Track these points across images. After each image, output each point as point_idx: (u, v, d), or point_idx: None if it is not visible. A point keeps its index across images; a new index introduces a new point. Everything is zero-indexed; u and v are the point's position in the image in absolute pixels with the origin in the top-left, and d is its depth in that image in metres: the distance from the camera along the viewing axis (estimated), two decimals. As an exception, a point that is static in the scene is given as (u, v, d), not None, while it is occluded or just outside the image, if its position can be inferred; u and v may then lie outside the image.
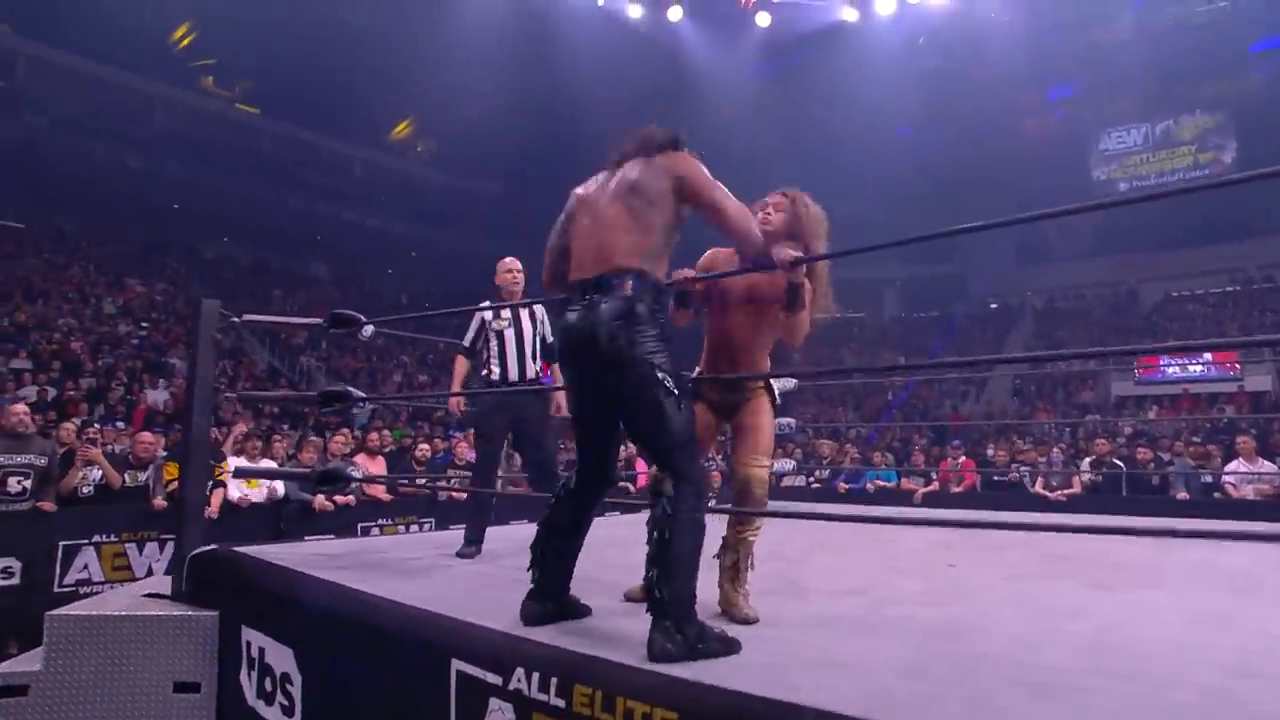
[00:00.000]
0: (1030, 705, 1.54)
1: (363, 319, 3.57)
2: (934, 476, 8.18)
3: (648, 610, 1.88)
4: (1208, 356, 17.03)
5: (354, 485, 5.69)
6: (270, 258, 24.56)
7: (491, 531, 4.07)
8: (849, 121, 24.19)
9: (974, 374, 19.70)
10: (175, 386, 13.26)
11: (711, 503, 7.28)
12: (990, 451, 8.98)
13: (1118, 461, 7.64)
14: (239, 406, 12.92)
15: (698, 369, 2.64)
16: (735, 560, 2.43)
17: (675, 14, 23.50)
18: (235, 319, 3.64)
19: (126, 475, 5.63)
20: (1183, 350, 16.49)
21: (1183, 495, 6.87)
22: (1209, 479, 7.14)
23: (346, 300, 21.89)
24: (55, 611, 2.88)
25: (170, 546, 4.65)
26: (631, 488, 7.73)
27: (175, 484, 4.92)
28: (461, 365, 4.19)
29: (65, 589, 4.81)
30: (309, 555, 3.52)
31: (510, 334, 3.98)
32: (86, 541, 4.99)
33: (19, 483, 5.10)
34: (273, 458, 7.13)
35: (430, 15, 22.04)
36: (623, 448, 8.37)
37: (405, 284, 25.58)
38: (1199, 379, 17.53)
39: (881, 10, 23.26)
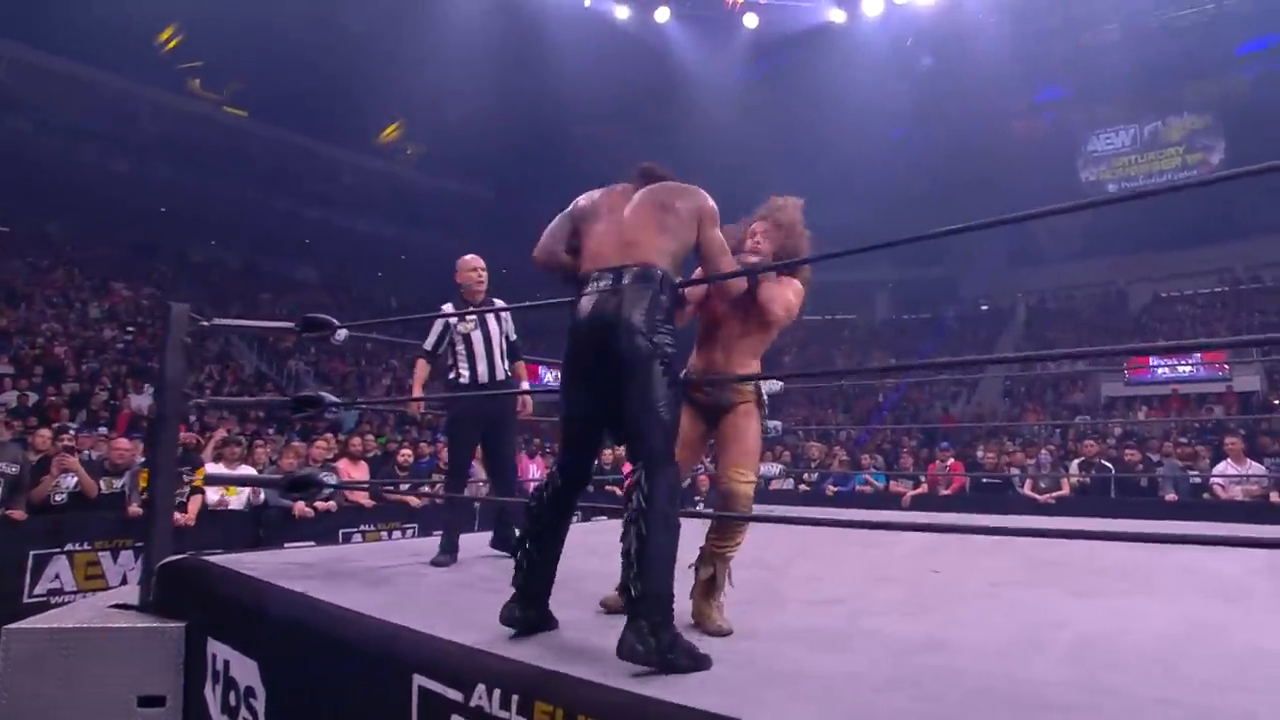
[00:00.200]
0: (1008, 723, 1.48)
1: (336, 323, 3.49)
2: (922, 479, 8.14)
3: (625, 609, 1.83)
4: (1197, 357, 17.06)
5: (335, 491, 5.61)
6: (259, 261, 24.40)
7: (468, 539, 4.00)
8: (837, 123, 24.21)
9: (964, 375, 19.72)
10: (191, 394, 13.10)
11: (699, 506, 7.22)
12: (980, 453, 8.94)
13: (1106, 463, 7.61)
14: (224, 412, 12.82)
15: (685, 371, 2.56)
16: (712, 574, 2.36)
17: (662, 15, 23.49)
18: (205, 323, 3.55)
19: (102, 482, 5.53)
20: (1172, 351, 16.52)
21: (1171, 497, 6.85)
22: (1197, 480, 7.12)
23: (336, 304, 21.92)
24: (14, 625, 2.80)
25: (146, 555, 4.55)
26: (619, 490, 7.66)
27: (151, 491, 4.82)
28: (422, 369, 4.09)
29: (35, 599, 4.71)
30: (280, 564, 3.44)
31: (478, 336, 3.90)
32: (58, 550, 4.89)
33: (-12, 490, 5.00)
34: (255, 463, 7.04)
35: (418, 17, 21.94)
36: (609, 450, 8.31)
37: (395, 288, 25.46)
38: (1188, 379, 17.56)
39: (869, 11, 23.30)
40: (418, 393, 4.10)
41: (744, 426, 2.46)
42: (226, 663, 2.69)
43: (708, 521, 2.48)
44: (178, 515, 5.39)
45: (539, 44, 22.62)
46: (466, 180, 26.86)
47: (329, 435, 7.78)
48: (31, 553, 4.82)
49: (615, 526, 2.02)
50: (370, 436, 8.70)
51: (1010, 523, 5.69)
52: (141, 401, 12.74)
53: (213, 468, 5.90)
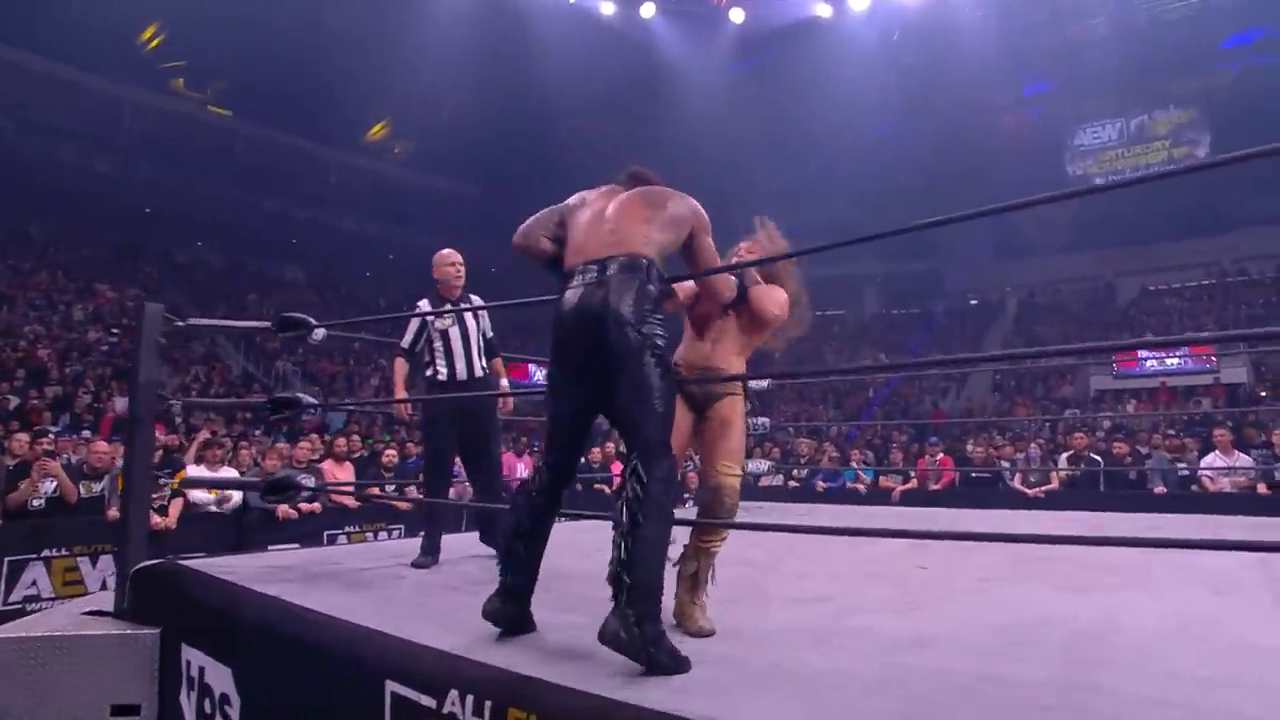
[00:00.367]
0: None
1: (313, 321, 3.43)
2: (912, 474, 8.12)
3: (611, 597, 1.79)
4: (1184, 350, 17.13)
5: (319, 493, 5.54)
6: (245, 261, 24.20)
7: (455, 539, 3.95)
8: (824, 118, 24.22)
9: (954, 370, 19.74)
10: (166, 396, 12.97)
11: (688, 504, 7.19)
12: (969, 448, 8.93)
13: (1095, 456, 7.61)
14: (211, 414, 12.70)
15: (674, 362, 2.55)
16: (696, 570, 2.32)
17: (648, 10, 23.40)
18: (180, 323, 3.48)
19: (81, 486, 5.44)
20: (1161, 346, 16.56)
21: (1160, 489, 6.85)
22: (1186, 472, 7.12)
23: (323, 303, 21.80)
24: (-17, 635, 2.73)
25: (126, 560, 4.47)
26: (608, 489, 7.61)
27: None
28: (402, 367, 4.00)
29: (11, 606, 4.62)
30: (258, 567, 3.38)
31: (455, 332, 3.84)
32: (35, 556, 4.80)
33: (-38, 497, 4.90)
34: (239, 465, 6.96)
35: (404, 15, 21.82)
36: (599, 448, 8.24)
37: (383, 287, 25.30)
38: (1176, 372, 17.64)
39: (855, 6, 23.28)
40: (400, 392, 4.01)
41: (731, 421, 2.45)
42: (201, 669, 2.63)
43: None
44: (158, 519, 5.34)
45: (524, 41, 22.53)
46: (453, 178, 26.74)
47: (314, 436, 7.69)
48: (7, 559, 4.73)
49: (603, 527, 1.98)
50: (356, 437, 8.61)
51: (1000, 517, 5.68)
52: (126, 404, 12.60)
53: (194, 470, 5.82)
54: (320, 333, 3.46)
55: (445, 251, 3.99)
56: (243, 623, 2.53)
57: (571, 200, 2.31)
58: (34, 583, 4.78)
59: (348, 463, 6.93)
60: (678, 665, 1.73)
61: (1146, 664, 1.86)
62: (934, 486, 7.84)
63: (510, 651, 1.90)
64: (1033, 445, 9.35)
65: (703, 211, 2.27)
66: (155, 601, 2.98)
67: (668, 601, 2.20)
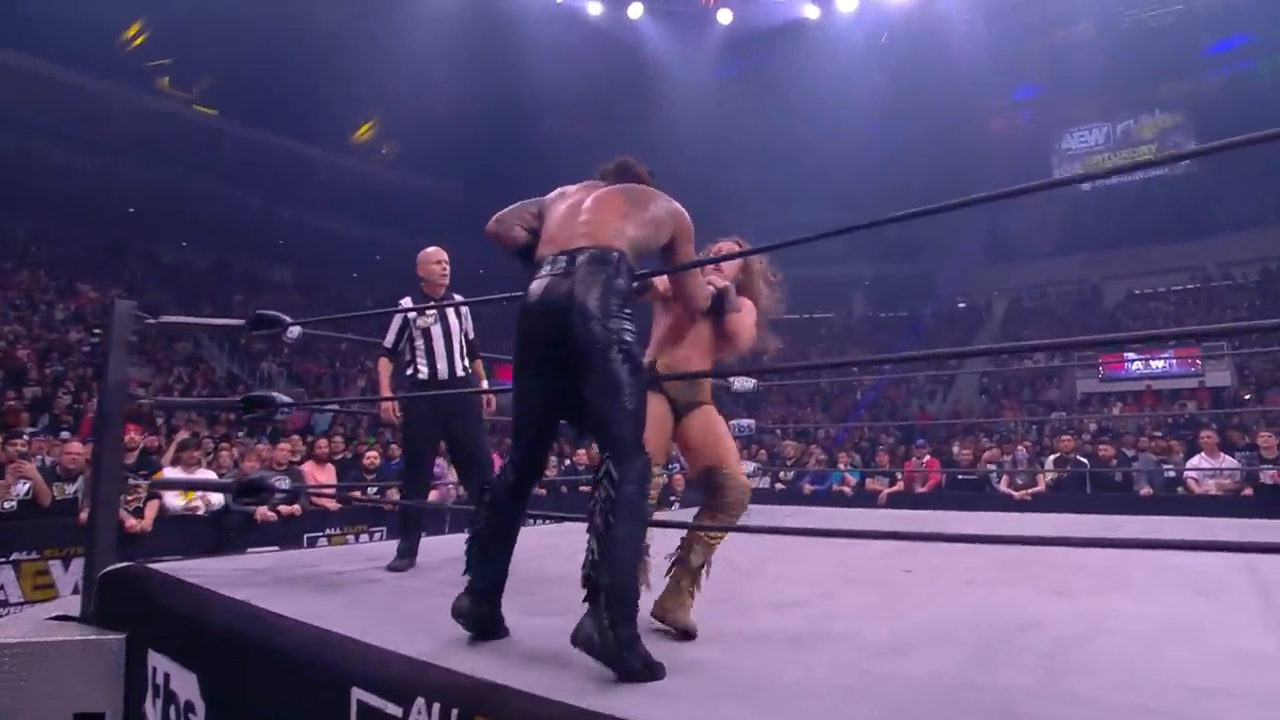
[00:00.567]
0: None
1: (287, 319, 3.36)
2: (899, 477, 8.10)
3: (585, 599, 1.73)
4: (1170, 353, 17.23)
5: (300, 495, 5.45)
6: (231, 261, 24.00)
7: (432, 542, 3.87)
8: (813, 119, 24.29)
9: (941, 372, 19.78)
10: (136, 396, 12.82)
11: (674, 507, 7.12)
12: (956, 450, 8.93)
13: (1082, 459, 7.61)
14: (193, 415, 12.56)
15: (648, 358, 2.52)
16: (691, 564, 2.31)
17: (635, 11, 23.38)
18: (151, 320, 3.41)
19: (54, 488, 5.33)
20: (1141, 342, 16.67)
21: (1146, 491, 6.85)
22: (1172, 474, 7.13)
23: (310, 304, 21.63)
24: (-61, 642, 2.64)
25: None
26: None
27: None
28: (386, 367, 3.92)
29: (-21, 611, 4.52)
30: (230, 570, 3.31)
31: (437, 330, 3.77)
32: (4, 560, 4.69)
33: (-72, 500, 4.80)
34: (219, 466, 6.86)
35: (391, 15, 21.73)
36: (585, 450, 8.16)
37: (370, 288, 25.10)
38: (1161, 375, 17.75)
39: (843, 7, 23.34)
40: (385, 393, 3.94)
41: (717, 424, 2.49)
42: (167, 675, 2.55)
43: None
44: (134, 521, 5.25)
45: (512, 41, 22.48)
46: (440, 178, 26.61)
47: (295, 438, 7.59)
48: (-25, 562, 4.63)
49: (584, 529, 1.92)
50: (338, 439, 8.51)
51: (986, 520, 5.66)
52: (106, 404, 12.42)
53: (170, 471, 5.72)
54: (295, 331, 3.39)
55: (430, 249, 3.93)
56: (209, 627, 2.46)
57: (553, 193, 2.26)
58: (2, 586, 4.67)
59: (329, 464, 6.84)
60: (652, 672, 1.68)
61: (1131, 670, 1.81)
62: (921, 489, 7.82)
63: (480, 657, 1.84)
64: (1020, 448, 9.35)
65: (686, 218, 2.21)
66: (122, 606, 2.90)
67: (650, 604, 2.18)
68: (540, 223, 2.19)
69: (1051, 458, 7.78)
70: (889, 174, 24.45)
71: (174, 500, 5.58)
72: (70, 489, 5.35)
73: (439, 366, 3.74)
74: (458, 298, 3.85)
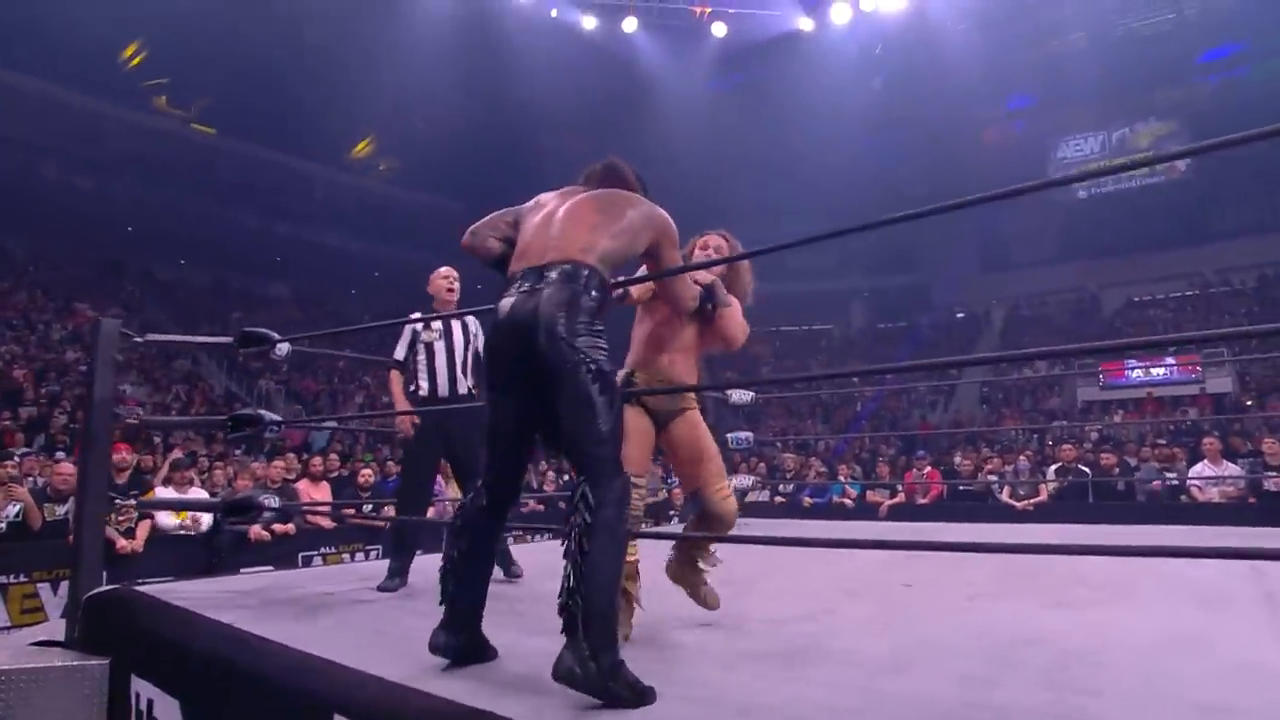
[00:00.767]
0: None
1: (276, 336, 3.32)
2: (899, 489, 8.03)
3: (562, 630, 1.67)
4: (1170, 360, 17.18)
5: (279, 513, 5.38)
6: (229, 279, 24.01)
7: (424, 560, 3.81)
8: (808, 132, 24.33)
9: (941, 383, 19.72)
10: (125, 413, 12.76)
11: (674, 521, 7.05)
12: (957, 460, 8.86)
13: (1083, 468, 7.54)
14: (190, 433, 12.49)
15: (625, 371, 2.51)
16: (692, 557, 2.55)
17: (630, 25, 23.48)
18: (138, 338, 3.37)
19: (45, 509, 5.27)
20: (1143, 348, 16.63)
21: (1155, 485, 6.77)
22: (1175, 482, 7.06)
23: (308, 320, 21.63)
24: (-87, 671, 2.58)
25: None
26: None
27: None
28: (397, 380, 3.87)
29: (-34, 635, 4.45)
30: (217, 592, 3.25)
31: (440, 346, 3.73)
32: (-9, 583, 4.64)
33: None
34: (213, 485, 6.80)
35: (386, 32, 21.82)
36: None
37: (368, 303, 25.11)
38: (1162, 382, 17.69)
39: (837, 19, 23.44)
40: (400, 405, 3.87)
41: (702, 435, 2.48)
42: (150, 702, 2.49)
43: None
44: (125, 542, 5.18)
45: (507, 56, 22.57)
46: (437, 193, 26.64)
47: (290, 455, 7.54)
48: (-38, 587, 4.56)
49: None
50: (334, 456, 8.45)
51: (988, 531, 5.60)
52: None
53: (162, 491, 5.66)
54: (284, 348, 3.35)
55: (441, 269, 3.93)
56: (192, 651, 2.40)
57: (530, 202, 2.21)
58: (-10, 611, 4.60)
59: (324, 482, 6.78)
60: (641, 697, 1.62)
61: (1137, 686, 1.76)
62: (922, 501, 7.76)
63: (463, 682, 1.79)
64: (1021, 457, 9.28)
65: (668, 221, 2.16)
66: (107, 630, 2.84)
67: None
68: (516, 232, 2.14)
69: (1053, 467, 7.71)
70: (884, 185, 24.46)
71: (168, 520, 5.52)
72: (61, 510, 5.29)
73: (439, 382, 3.70)
74: (471, 320, 3.81)
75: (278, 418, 3.33)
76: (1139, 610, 2.65)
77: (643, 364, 2.48)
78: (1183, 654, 2.06)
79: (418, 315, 3.84)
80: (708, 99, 25.33)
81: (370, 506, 6.46)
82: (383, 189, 27.23)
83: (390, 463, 8.99)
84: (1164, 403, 16.83)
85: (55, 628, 3.20)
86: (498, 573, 3.49)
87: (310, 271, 25.19)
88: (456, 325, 3.79)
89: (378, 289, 25.65)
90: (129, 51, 21.53)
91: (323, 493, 6.57)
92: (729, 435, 6.11)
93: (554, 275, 1.90)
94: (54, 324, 16.87)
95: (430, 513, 6.13)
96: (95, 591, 3.00)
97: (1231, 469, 6.76)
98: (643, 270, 2.37)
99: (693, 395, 2.52)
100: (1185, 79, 23.52)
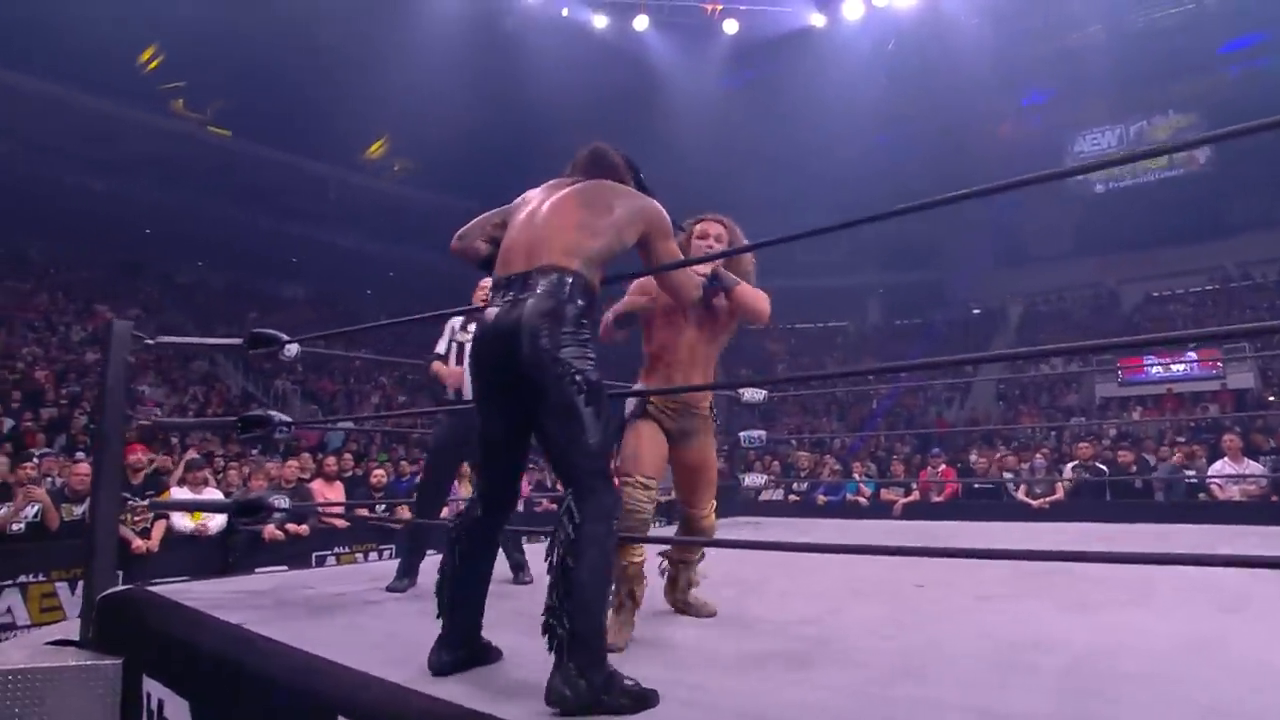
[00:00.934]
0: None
1: (284, 338, 3.33)
2: (914, 487, 7.97)
3: (549, 649, 1.65)
4: (1191, 355, 16.95)
5: (288, 513, 5.42)
6: (245, 280, 24.22)
7: (434, 561, 3.82)
8: (821, 128, 24.18)
9: (958, 379, 19.56)
10: (143, 414, 12.91)
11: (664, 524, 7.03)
12: (973, 458, 8.77)
13: (1101, 465, 7.45)
14: (207, 434, 12.60)
15: (638, 384, 2.55)
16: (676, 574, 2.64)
17: (641, 23, 23.44)
18: (149, 340, 3.40)
19: (63, 509, 5.33)
20: (1162, 344, 16.41)
21: (1157, 483, 6.68)
22: (1194, 480, 6.96)
23: (323, 321, 21.75)
24: (-71, 670, 2.61)
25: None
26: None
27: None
28: (441, 366, 3.85)
29: (-16, 635, 4.51)
30: (231, 592, 3.27)
31: (470, 349, 3.74)
32: (10, 583, 4.69)
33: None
34: (228, 485, 6.86)
35: (398, 33, 21.92)
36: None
37: (384, 304, 25.23)
38: (1182, 378, 17.45)
39: (849, 15, 23.28)
40: (451, 380, 3.81)
41: (708, 454, 2.57)
42: (161, 702, 2.51)
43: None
44: (140, 541, 5.23)
45: (518, 55, 22.59)
46: (453, 194, 26.72)
47: (305, 455, 7.58)
48: (-20, 586, 4.62)
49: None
50: (348, 456, 8.49)
51: (1003, 530, 5.54)
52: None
53: (177, 491, 5.71)
54: (293, 349, 3.37)
55: (484, 279, 3.90)
56: (201, 652, 2.42)
57: (517, 199, 2.16)
58: (9, 610, 4.66)
59: (338, 482, 6.81)
60: (640, 702, 1.60)
61: (1152, 694, 1.72)
62: (937, 499, 7.70)
63: (467, 684, 1.78)
64: (1038, 455, 9.17)
65: (657, 212, 2.09)
66: (120, 630, 2.87)
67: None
68: (504, 232, 2.09)
69: (1070, 465, 7.62)
70: (897, 182, 24.28)
71: (183, 521, 5.57)
72: (78, 510, 5.35)
73: (465, 383, 3.70)
74: None
75: (287, 419, 3.34)
76: (1155, 612, 2.60)
77: (659, 383, 2.49)
78: (1200, 658, 2.02)
79: (460, 310, 3.82)
80: (719, 96, 25.23)
81: (383, 507, 6.49)
82: (396, 190, 27.36)
83: (404, 463, 9.03)
84: (1184, 399, 16.61)
85: (73, 627, 3.22)
86: (507, 575, 3.50)
87: (325, 273, 25.38)
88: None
89: (393, 289, 25.80)
90: (146, 55, 21.77)
91: (337, 493, 6.61)
92: (741, 434, 6.08)
93: (537, 284, 1.85)
94: (74, 325, 17.08)
95: (445, 512, 6.16)
96: (109, 592, 3.03)
97: (1253, 466, 6.66)
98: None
99: (708, 420, 2.56)
100: (1206, 70, 23.13)
